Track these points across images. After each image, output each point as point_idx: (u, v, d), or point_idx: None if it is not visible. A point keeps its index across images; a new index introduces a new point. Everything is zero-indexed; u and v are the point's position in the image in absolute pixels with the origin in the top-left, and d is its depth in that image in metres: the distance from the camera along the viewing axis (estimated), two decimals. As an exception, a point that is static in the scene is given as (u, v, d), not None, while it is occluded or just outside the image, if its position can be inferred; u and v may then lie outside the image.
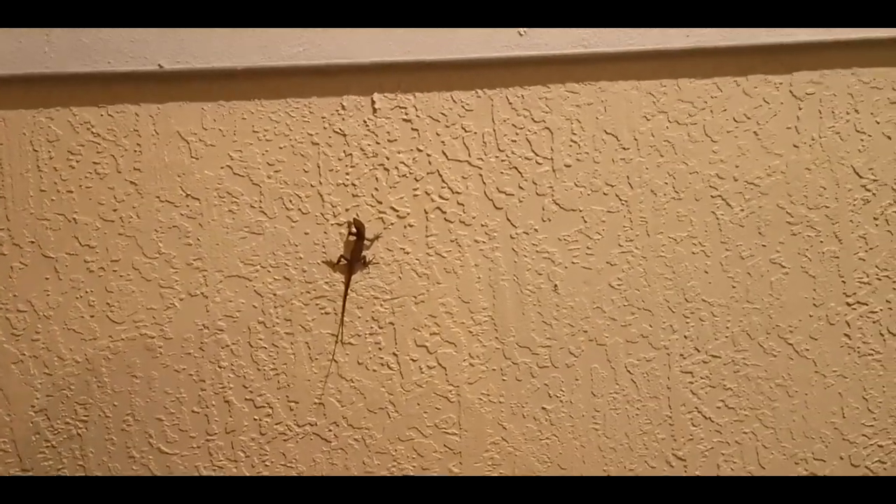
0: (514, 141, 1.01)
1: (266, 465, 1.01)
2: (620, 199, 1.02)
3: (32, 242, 0.97)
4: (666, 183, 1.02)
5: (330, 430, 1.02)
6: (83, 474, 0.99)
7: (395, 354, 1.02)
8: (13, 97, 0.95)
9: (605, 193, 1.02)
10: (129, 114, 0.96)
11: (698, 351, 1.05)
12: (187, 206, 0.98)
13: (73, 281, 0.97)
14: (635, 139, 1.02)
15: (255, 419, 1.01)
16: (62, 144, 0.96)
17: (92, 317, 0.98)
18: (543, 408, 1.04)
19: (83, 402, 0.98)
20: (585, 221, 1.02)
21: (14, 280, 0.96)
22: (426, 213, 1.01)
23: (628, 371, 1.05)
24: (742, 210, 1.04)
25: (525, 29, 0.97)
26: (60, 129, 0.96)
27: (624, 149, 1.02)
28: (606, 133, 1.01)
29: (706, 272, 1.04)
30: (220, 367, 1.00)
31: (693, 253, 1.03)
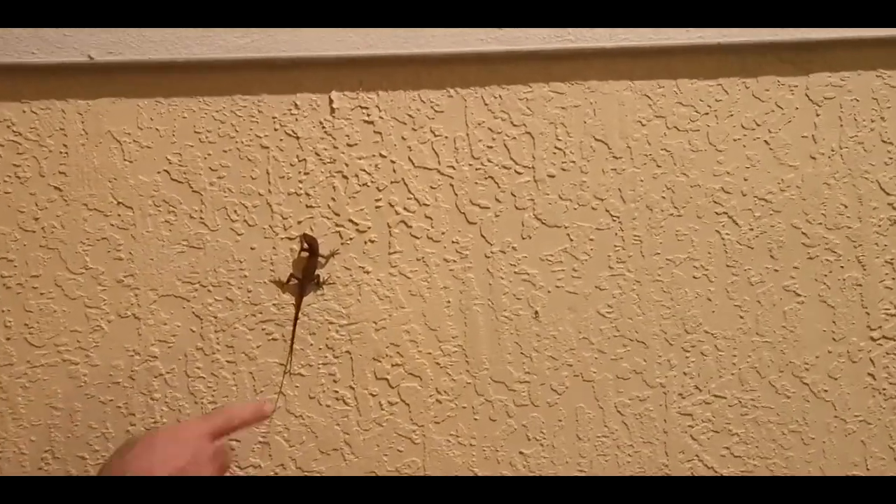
0: (491, 147, 0.90)
1: (201, 513, 0.90)
2: (611, 215, 0.91)
3: (-58, 254, 0.87)
4: (663, 197, 0.91)
5: (275, 474, 0.90)
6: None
7: (351, 388, 0.91)
8: (-75, 91, 0.86)
9: (593, 208, 0.91)
10: (56, 111, 0.87)
11: (699, 390, 0.93)
12: (119, 215, 0.88)
13: (-13, 298, 0.87)
14: (628, 147, 0.91)
15: (190, 459, 0.89)
16: (-21, 144, 0.86)
17: (8, 339, 0.87)
18: (521, 452, 0.92)
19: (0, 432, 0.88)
20: (571, 239, 0.91)
21: (-80, 296, 0.86)
22: (389, 227, 0.90)
23: (619, 412, 0.93)
24: (751, 229, 0.92)
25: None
26: (-23, 127, 0.86)
27: (615, 157, 0.91)
28: (595, 139, 0.91)
29: (709, 299, 0.92)
30: (152, 398, 0.89)
31: (694, 277, 0.92)
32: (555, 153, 0.91)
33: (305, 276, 0.89)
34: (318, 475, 0.91)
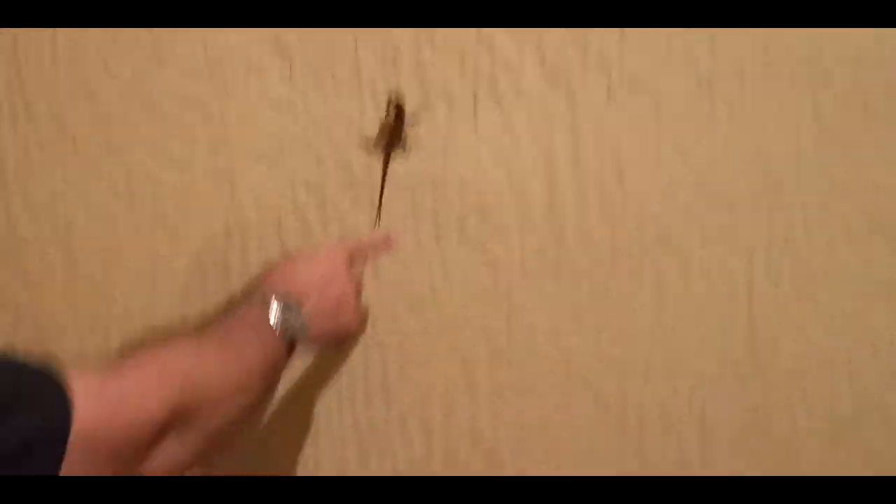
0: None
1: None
2: (699, 75, 0.89)
3: (49, 117, 0.91)
4: (754, 55, 0.89)
5: (370, 324, 0.95)
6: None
7: (438, 247, 0.93)
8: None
9: (682, 65, 0.89)
10: (148, -26, 0.89)
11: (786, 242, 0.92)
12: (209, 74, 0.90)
13: (92, 159, 0.92)
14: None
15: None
16: (78, 8, 0.89)
17: (114, 200, 0.92)
18: (605, 313, 0.94)
19: (107, 291, 0.94)
20: (658, 100, 0.90)
21: (31, 156, 0.92)
22: (475, 87, 0.90)
23: (701, 267, 0.92)
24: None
25: None
26: (76, -9, 0.89)
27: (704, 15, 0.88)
28: (686, -6, 0.88)
29: (798, 154, 0.90)
30: (246, 259, 0.93)
31: (787, 134, 0.89)
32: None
33: (392, 137, 0.91)
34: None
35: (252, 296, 0.81)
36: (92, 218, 0.93)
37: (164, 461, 0.63)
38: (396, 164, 0.92)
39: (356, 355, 0.96)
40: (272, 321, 0.77)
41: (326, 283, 0.83)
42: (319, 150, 0.92)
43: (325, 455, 0.96)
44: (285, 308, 0.78)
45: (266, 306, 0.78)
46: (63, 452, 0.53)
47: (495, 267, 0.94)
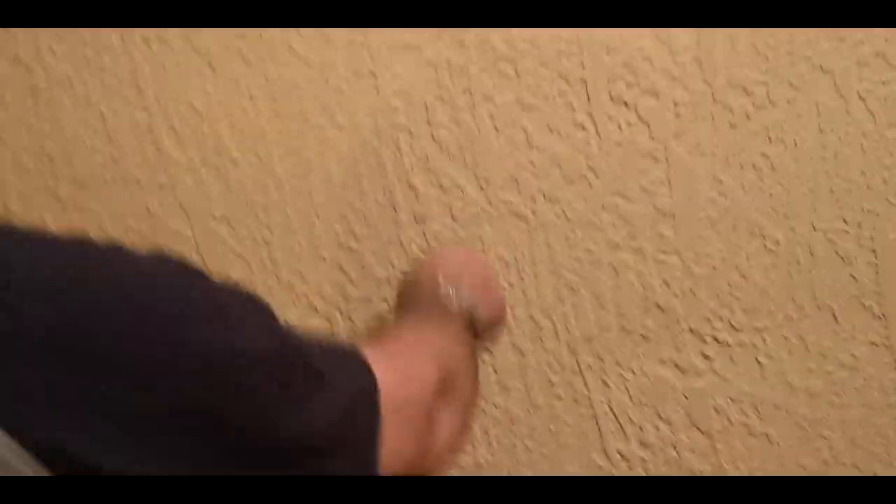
0: None
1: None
2: None
3: (182, 40, 0.89)
4: None
5: (527, 207, 0.94)
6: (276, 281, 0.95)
7: (589, 114, 0.92)
8: None
9: None
10: None
11: (948, 62, 0.91)
12: (339, -28, 0.88)
13: (230, 77, 0.90)
14: None
15: (444, 203, 0.94)
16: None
17: (257, 114, 0.91)
18: (763, 154, 0.93)
19: (263, 205, 0.93)
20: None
21: (170, 82, 0.90)
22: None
23: (861, 98, 0.91)
24: None
25: None
26: None
27: None
28: None
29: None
30: (399, 151, 0.92)
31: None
32: None
33: None
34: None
35: (411, 303, 0.81)
36: (239, 136, 0.92)
37: (443, 432, 0.63)
38: (539, 33, 0.90)
39: (520, 240, 0.95)
40: (453, 304, 0.77)
41: (465, 264, 0.85)
42: (459, 32, 0.90)
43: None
44: (456, 291, 0.79)
45: (438, 297, 0.78)
46: (379, 418, 0.53)
47: (649, 126, 0.93)
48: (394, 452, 0.54)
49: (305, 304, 0.95)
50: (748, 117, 0.93)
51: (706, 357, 0.96)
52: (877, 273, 0.93)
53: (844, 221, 0.94)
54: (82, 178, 0.92)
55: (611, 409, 0.98)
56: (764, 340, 0.95)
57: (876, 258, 0.93)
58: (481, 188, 0.94)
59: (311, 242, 0.95)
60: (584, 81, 0.92)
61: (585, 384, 0.97)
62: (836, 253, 0.93)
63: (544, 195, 0.95)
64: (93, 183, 0.92)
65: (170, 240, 0.94)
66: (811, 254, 0.94)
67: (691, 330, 0.96)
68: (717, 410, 0.97)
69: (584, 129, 0.93)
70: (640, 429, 0.98)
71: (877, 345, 0.94)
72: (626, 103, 0.92)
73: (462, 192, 0.94)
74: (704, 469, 0.99)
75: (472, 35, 0.90)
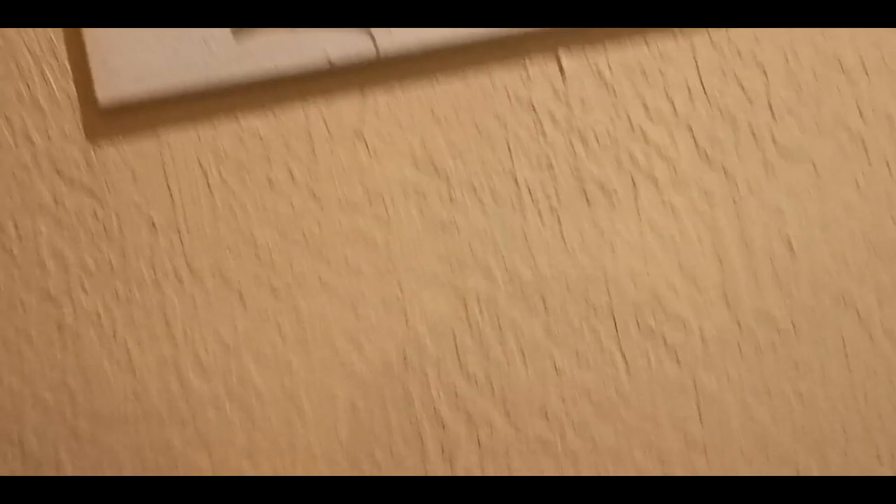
0: (723, 84, 0.90)
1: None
2: (853, 136, 0.91)
3: (212, 269, 0.90)
4: (904, 108, 0.91)
5: (556, 437, 0.92)
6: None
7: (617, 344, 0.92)
8: (173, 116, 0.89)
9: (834, 131, 0.91)
10: (299, 114, 0.89)
11: (969, 296, 0.92)
12: (370, 207, 0.90)
13: (259, 309, 0.90)
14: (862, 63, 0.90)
15: (471, 434, 0.92)
16: (231, 159, 0.90)
17: (284, 344, 0.90)
18: (793, 386, 0.93)
19: (288, 438, 0.91)
20: (816, 166, 0.91)
21: (199, 314, 0.90)
22: (633, 181, 0.91)
23: (886, 333, 0.92)
24: None
25: (724, -44, 0.87)
26: (227, 143, 0.89)
27: (849, 77, 0.90)
28: (828, 60, 0.90)
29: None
30: (427, 382, 0.91)
31: (943, 185, 0.91)
32: (788, 79, 0.91)
33: None
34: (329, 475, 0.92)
35: None
36: (265, 368, 0.91)
37: None
38: (565, 265, 0.91)
39: (548, 466, 0.93)
40: None
41: None
42: (487, 263, 0.91)
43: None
44: None
45: None
46: None
47: (677, 356, 0.93)
48: None
49: (327, 543, 0.91)
50: (775, 349, 0.93)
51: None
52: (919, 510, 0.90)
53: (879, 459, 0.92)
54: (102, 412, 0.90)
55: None
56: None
57: (917, 495, 0.91)
58: (509, 418, 0.92)
59: (335, 475, 0.92)
60: (611, 311, 0.92)
61: None
62: (876, 489, 0.91)
63: (573, 426, 0.93)
64: (113, 417, 0.90)
65: (189, 473, 0.90)
66: (850, 489, 0.91)
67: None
68: None
69: (612, 359, 0.93)
70: None
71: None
72: (653, 333, 0.92)
73: (490, 423, 0.92)
74: None
75: (499, 266, 0.91)
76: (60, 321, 0.90)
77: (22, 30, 0.88)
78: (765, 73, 0.91)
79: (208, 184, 0.90)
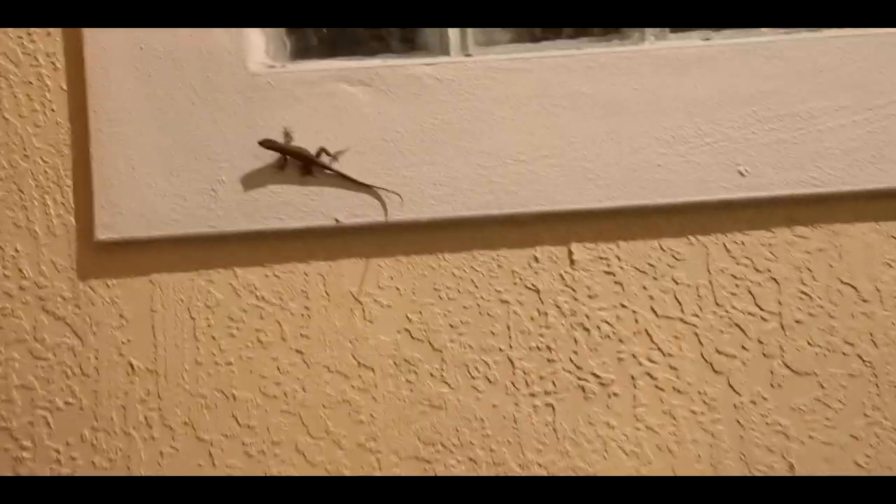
0: (734, 294, 0.89)
1: None
2: (863, 360, 0.88)
3: (186, 423, 0.86)
4: (917, 340, 0.88)
5: None
6: None
7: (600, 550, 0.86)
8: (171, 260, 0.86)
9: (844, 354, 0.88)
10: (298, 273, 0.87)
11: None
12: (359, 376, 0.87)
13: (228, 467, 0.85)
14: (877, 290, 0.89)
15: None
16: (222, 310, 0.87)
17: (250, 509, 0.85)
18: None
19: None
20: (823, 387, 0.88)
21: (163, 466, 0.85)
22: (633, 379, 0.88)
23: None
24: None
25: (746, 168, 0.86)
26: (221, 293, 0.87)
27: (864, 301, 0.89)
28: (843, 283, 0.89)
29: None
30: (395, 568, 0.85)
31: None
32: (801, 298, 0.89)
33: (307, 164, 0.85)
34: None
35: None
36: (227, 532, 0.85)
37: None
38: (559, 461, 0.87)
39: None
40: None
41: None
42: (472, 448, 0.87)
43: None
44: None
45: None
46: None
47: (662, 569, 0.87)
48: None
49: None
50: (767, 576, 0.88)
51: None
52: None
53: None
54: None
55: None
56: None
57: None
58: None
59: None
60: (596, 515, 0.87)
61: None
62: None
63: None
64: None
65: None
66: None
67: None
68: None
69: (593, 566, 0.87)
70: None
71: None
72: (639, 544, 0.87)
73: None
74: None
75: (486, 452, 0.87)
76: (17, 455, 0.85)
77: (31, 157, 0.86)
78: (778, 287, 0.89)
79: (195, 332, 0.87)
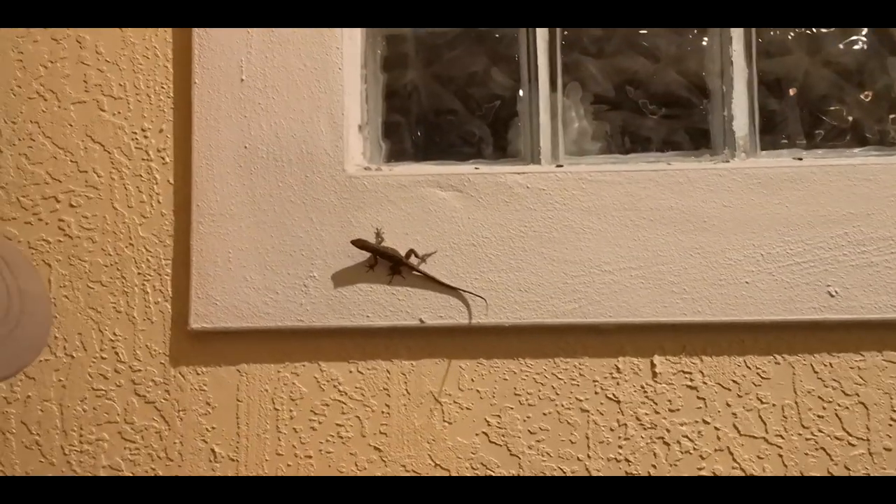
0: (821, 416, 0.87)
1: None
2: (957, 492, 0.85)
3: (262, 513, 0.86)
4: None
5: None
6: None
7: None
8: (259, 351, 0.89)
9: (936, 484, 0.85)
10: (381, 371, 0.89)
11: None
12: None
13: (301, 561, 0.86)
14: (971, 417, 0.85)
15: None
16: (305, 403, 0.88)
17: None
18: None
19: None
20: (913, 518, 0.85)
21: (238, 558, 0.86)
22: (713, 498, 0.86)
23: None
24: None
25: (836, 289, 0.85)
26: (305, 387, 0.88)
27: (957, 427, 0.86)
28: (934, 408, 0.86)
29: None
30: None
31: None
32: (891, 425, 0.86)
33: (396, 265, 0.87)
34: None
35: None
36: None
37: None
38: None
39: None
40: None
41: None
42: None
43: None
44: None
45: None
46: None
47: None
48: None
49: None
50: None
51: None
52: None
53: None
54: None
55: None
56: None
57: None
58: None
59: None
60: None
61: None
62: None
63: None
64: None
65: None
66: None
67: None
68: None
69: None
70: None
71: None
72: None
73: None
74: None
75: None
76: (99, 539, 0.87)
77: (136, 245, 0.90)
78: (867, 412, 0.87)
79: (277, 423, 0.88)
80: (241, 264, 0.88)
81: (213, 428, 0.89)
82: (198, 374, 0.89)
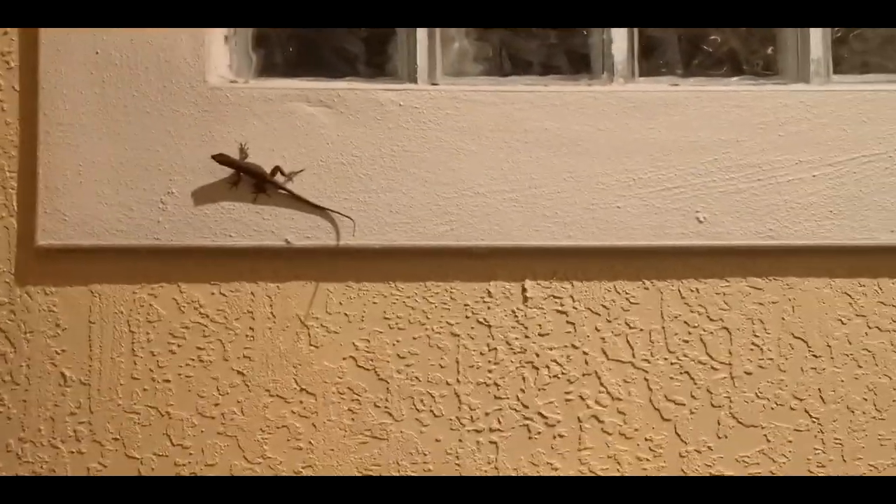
0: (687, 341, 0.88)
1: None
2: (811, 416, 0.88)
3: (116, 439, 0.83)
4: (865, 399, 0.88)
5: None
6: None
7: None
8: (113, 271, 0.84)
9: (792, 408, 0.88)
10: (245, 293, 0.85)
11: None
12: (301, 402, 0.85)
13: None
14: (828, 346, 0.89)
15: None
16: (163, 325, 0.84)
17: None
18: None
19: None
20: (769, 440, 0.88)
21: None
22: (580, 421, 0.87)
23: None
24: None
25: (704, 215, 0.86)
26: (164, 309, 0.84)
27: (815, 356, 0.89)
28: (794, 337, 0.88)
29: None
30: None
31: (896, 483, 0.87)
32: (752, 349, 0.89)
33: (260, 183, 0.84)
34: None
35: None
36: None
37: None
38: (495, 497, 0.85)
39: None
40: None
41: None
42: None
43: None
44: None
45: None
46: None
47: None
48: None
49: None
50: None
51: None
52: None
53: None
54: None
55: None
56: None
57: None
58: None
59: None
60: (534, 558, 0.86)
61: None
62: None
63: None
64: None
65: None
66: None
67: None
68: None
69: None
70: None
71: None
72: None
73: None
74: None
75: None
76: (-62, 463, 0.82)
77: (-24, 157, 0.84)
78: (730, 337, 0.88)
79: (133, 347, 0.84)
80: (94, 178, 0.83)
81: (63, 351, 0.84)
82: (46, 294, 0.84)
